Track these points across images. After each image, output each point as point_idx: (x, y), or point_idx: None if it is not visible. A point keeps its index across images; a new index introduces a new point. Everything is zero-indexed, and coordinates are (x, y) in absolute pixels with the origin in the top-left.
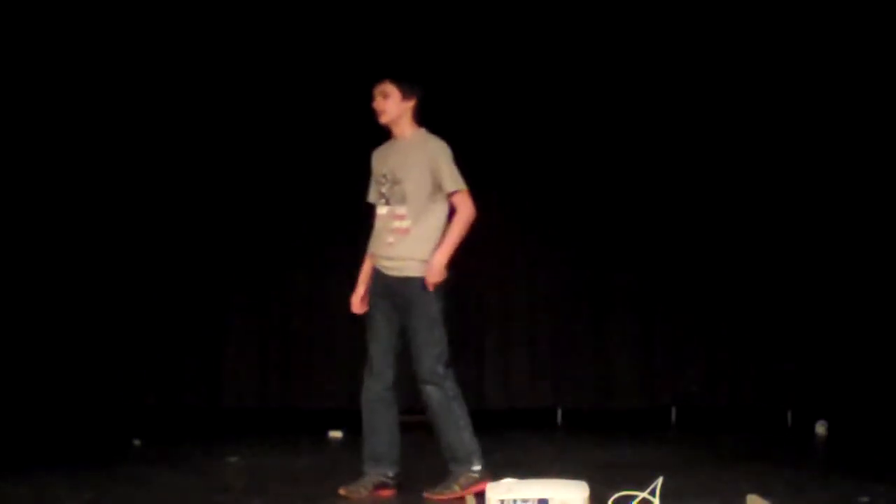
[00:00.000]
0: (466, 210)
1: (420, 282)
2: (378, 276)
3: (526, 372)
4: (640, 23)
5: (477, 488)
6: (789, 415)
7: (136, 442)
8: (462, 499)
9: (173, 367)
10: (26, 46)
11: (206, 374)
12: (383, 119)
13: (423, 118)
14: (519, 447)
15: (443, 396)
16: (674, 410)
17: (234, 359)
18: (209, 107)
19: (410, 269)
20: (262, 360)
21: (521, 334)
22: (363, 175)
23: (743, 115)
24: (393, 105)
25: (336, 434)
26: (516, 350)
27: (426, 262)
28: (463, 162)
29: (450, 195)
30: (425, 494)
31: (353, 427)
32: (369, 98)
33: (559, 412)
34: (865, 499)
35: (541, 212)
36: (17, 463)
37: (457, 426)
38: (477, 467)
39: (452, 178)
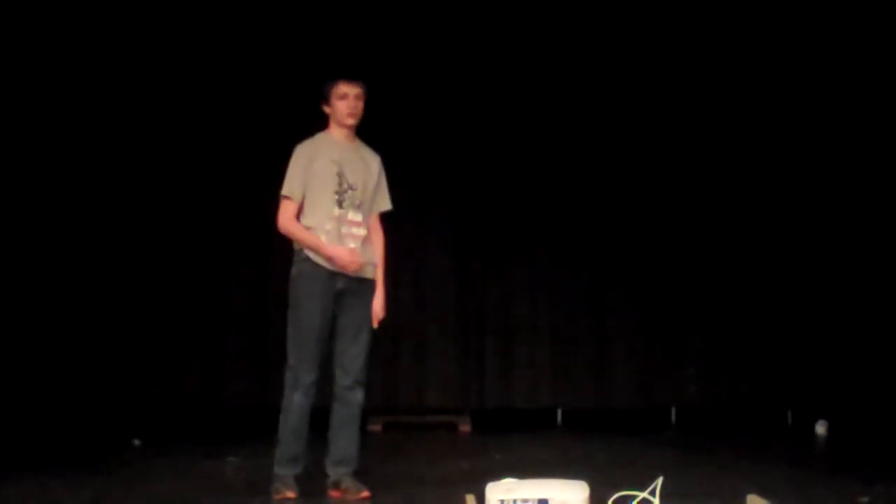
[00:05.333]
0: (382, 233)
1: (373, 285)
2: (325, 276)
3: (526, 372)
4: (640, 24)
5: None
6: (789, 415)
7: (136, 442)
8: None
9: (174, 367)
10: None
11: (207, 373)
12: (353, 121)
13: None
14: (519, 447)
15: (363, 400)
16: (674, 410)
17: (234, 359)
18: (208, 109)
19: (368, 272)
20: (262, 359)
21: (522, 334)
22: None
23: (740, 115)
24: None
25: None
26: (516, 350)
27: (376, 265)
28: (465, 165)
29: (377, 214)
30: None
31: None
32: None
33: (559, 412)
34: (865, 499)
35: (540, 213)
36: (18, 463)
37: (358, 433)
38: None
39: (388, 198)
